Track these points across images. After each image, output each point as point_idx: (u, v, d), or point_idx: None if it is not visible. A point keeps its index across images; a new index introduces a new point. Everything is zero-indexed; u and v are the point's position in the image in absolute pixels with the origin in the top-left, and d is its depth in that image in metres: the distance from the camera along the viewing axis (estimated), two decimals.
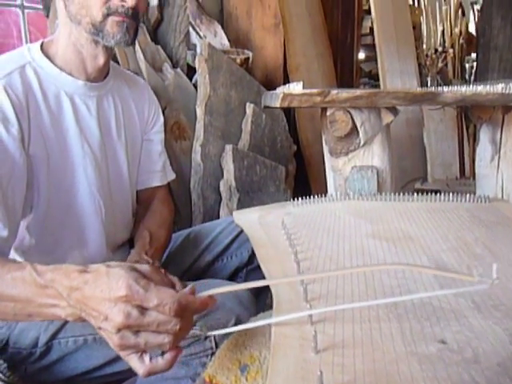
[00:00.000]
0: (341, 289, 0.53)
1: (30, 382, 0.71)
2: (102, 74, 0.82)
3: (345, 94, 0.89)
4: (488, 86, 0.90)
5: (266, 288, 0.57)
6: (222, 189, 1.53)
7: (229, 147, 1.53)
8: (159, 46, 1.61)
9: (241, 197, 1.51)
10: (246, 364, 0.47)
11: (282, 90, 0.95)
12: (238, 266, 0.98)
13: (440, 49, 3.09)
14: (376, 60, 2.37)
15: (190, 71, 1.68)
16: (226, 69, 1.62)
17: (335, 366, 0.40)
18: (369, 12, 2.44)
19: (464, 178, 2.26)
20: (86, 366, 0.70)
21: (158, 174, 0.97)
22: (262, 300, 0.90)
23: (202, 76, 1.57)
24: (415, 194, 0.90)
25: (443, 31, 3.14)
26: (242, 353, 0.49)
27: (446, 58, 3.06)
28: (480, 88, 0.91)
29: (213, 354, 0.66)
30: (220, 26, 1.91)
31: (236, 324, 0.69)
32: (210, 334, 0.55)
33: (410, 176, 2.31)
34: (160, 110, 0.98)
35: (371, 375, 0.38)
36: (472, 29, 3.74)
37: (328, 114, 0.95)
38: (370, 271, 0.57)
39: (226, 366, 0.48)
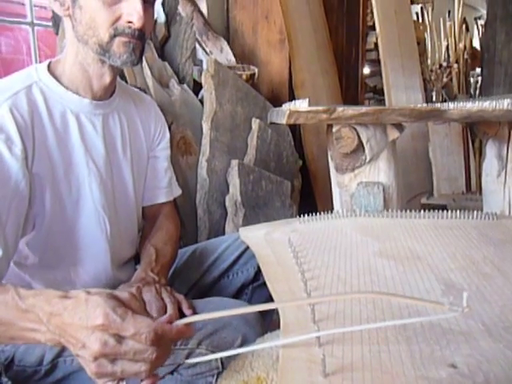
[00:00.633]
0: (349, 309, 0.52)
1: None
2: (108, 92, 0.83)
3: (351, 111, 0.89)
4: (494, 102, 0.90)
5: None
6: (227, 204, 1.53)
7: (235, 162, 1.53)
8: (166, 63, 1.64)
9: (246, 212, 1.51)
10: None
11: (287, 106, 0.95)
12: (244, 283, 0.97)
13: (445, 64, 3.11)
14: (381, 75, 2.39)
15: (197, 87, 1.70)
16: (231, 84, 1.64)
17: None
18: (373, 28, 2.46)
19: (470, 193, 2.25)
20: None
21: (164, 190, 0.97)
22: (267, 318, 0.89)
23: (208, 92, 1.59)
24: (422, 210, 0.90)
25: (447, 46, 3.16)
26: (249, 374, 0.49)
27: (450, 72, 3.07)
28: (486, 104, 0.91)
29: (219, 373, 0.66)
30: (226, 42, 1.93)
31: (242, 343, 0.68)
32: (217, 355, 0.55)
33: (415, 190, 2.31)
34: (166, 126, 0.98)
35: None
36: (476, 44, 3.77)
37: (334, 130, 0.95)
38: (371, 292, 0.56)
39: None
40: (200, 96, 1.68)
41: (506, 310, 0.51)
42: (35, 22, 1.63)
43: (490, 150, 1.11)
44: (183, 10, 1.76)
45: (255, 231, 0.86)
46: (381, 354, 0.44)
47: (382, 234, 0.80)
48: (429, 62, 3.26)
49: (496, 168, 1.10)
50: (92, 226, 0.80)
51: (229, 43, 1.96)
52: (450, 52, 3.14)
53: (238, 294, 0.97)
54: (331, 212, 0.93)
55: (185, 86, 1.63)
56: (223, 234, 1.52)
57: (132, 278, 0.80)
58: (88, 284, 0.80)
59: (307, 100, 0.92)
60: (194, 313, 0.72)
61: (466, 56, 3.14)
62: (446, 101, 2.94)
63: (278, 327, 0.51)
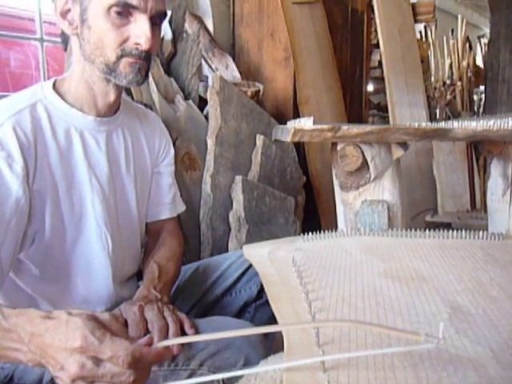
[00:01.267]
0: (353, 332, 0.52)
1: None
2: (113, 110, 0.83)
3: (355, 129, 0.89)
4: (498, 121, 0.90)
5: (275, 323, 0.56)
6: (231, 220, 1.53)
7: (239, 178, 1.54)
8: (172, 79, 1.65)
9: (250, 228, 1.50)
10: None
11: (292, 124, 0.95)
12: (247, 301, 0.96)
13: (448, 81, 3.12)
14: (385, 92, 2.40)
15: (202, 103, 1.71)
16: (236, 101, 1.65)
17: None
18: (377, 46, 2.48)
19: (475, 211, 2.24)
20: None
21: (168, 206, 0.97)
22: (270, 338, 0.88)
23: (213, 108, 1.60)
24: (426, 228, 0.89)
25: (451, 64, 3.17)
26: None
27: (454, 90, 3.08)
28: (491, 123, 0.91)
29: None
30: (231, 59, 1.95)
31: (245, 364, 0.67)
32: (219, 376, 0.54)
33: (419, 207, 2.29)
34: (171, 142, 0.99)
35: None
36: (479, 62, 3.79)
37: (338, 148, 0.95)
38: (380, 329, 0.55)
39: None
40: (205, 112, 1.69)
41: None
42: (44, 38, 1.66)
43: (495, 168, 1.10)
44: (190, 27, 1.79)
45: (259, 249, 0.85)
46: (387, 382, 0.43)
47: (386, 253, 0.80)
48: (432, 79, 3.27)
49: (501, 187, 1.09)
50: (93, 243, 0.80)
51: (234, 60, 1.98)
52: (454, 70, 3.16)
53: (240, 312, 0.96)
54: (335, 230, 0.93)
55: (190, 101, 1.65)
56: (226, 250, 1.51)
57: (134, 294, 0.79)
58: (88, 300, 0.80)
59: (312, 118, 0.93)
60: (197, 332, 0.71)
61: (469, 74, 3.16)
62: (449, 118, 2.95)
63: (282, 349, 0.50)
